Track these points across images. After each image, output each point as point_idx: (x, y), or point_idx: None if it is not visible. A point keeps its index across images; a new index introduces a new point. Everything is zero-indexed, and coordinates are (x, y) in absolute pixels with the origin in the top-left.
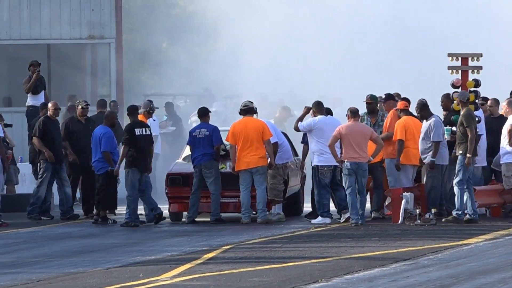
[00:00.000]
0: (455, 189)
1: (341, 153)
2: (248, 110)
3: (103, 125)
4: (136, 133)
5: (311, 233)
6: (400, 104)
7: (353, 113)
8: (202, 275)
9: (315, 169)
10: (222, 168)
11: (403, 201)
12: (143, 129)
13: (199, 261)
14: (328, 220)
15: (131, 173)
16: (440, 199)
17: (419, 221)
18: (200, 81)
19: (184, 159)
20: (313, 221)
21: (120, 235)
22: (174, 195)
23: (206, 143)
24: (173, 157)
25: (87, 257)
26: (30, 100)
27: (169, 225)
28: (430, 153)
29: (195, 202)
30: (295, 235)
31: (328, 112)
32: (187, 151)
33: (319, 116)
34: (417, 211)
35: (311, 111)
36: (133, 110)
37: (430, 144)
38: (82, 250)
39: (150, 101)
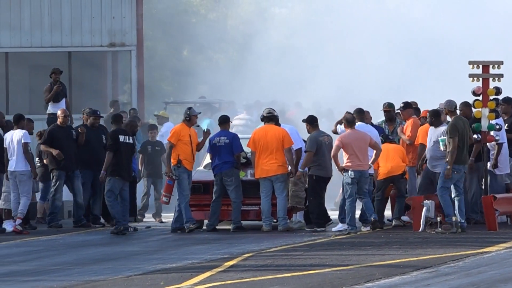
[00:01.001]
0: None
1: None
2: (271, 117)
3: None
4: (120, 140)
5: (332, 241)
6: (424, 113)
7: (349, 121)
8: (223, 283)
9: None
10: (242, 176)
11: (424, 209)
12: (126, 137)
13: (220, 269)
14: (346, 226)
15: (112, 181)
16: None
17: (440, 228)
18: (221, 89)
19: (205, 167)
20: (334, 228)
21: (141, 243)
22: (195, 203)
23: (227, 151)
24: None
25: (108, 264)
26: (51, 108)
27: (189, 233)
28: (442, 160)
29: (216, 210)
30: (316, 243)
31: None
32: (208, 159)
33: (359, 124)
34: (438, 219)
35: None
36: (117, 118)
37: (439, 151)
38: (102, 257)
39: (190, 108)
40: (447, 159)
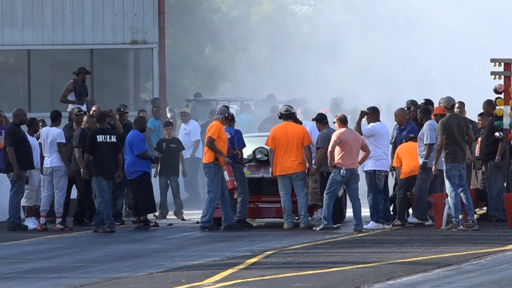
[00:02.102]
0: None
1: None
2: (289, 115)
3: (133, 129)
4: (98, 140)
5: (354, 238)
6: (439, 110)
7: (342, 120)
8: (244, 280)
9: (371, 174)
10: (247, 174)
11: (446, 206)
12: (107, 136)
13: (241, 266)
14: (381, 226)
15: (96, 181)
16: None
17: (461, 226)
18: (242, 86)
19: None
20: (366, 226)
21: (162, 240)
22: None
23: (229, 146)
24: None
25: (130, 262)
26: (73, 106)
27: (211, 230)
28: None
29: (242, 205)
30: (337, 241)
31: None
32: None
33: (379, 123)
34: (460, 216)
35: (365, 116)
36: (101, 117)
37: (423, 147)
38: (124, 255)
39: (227, 107)
40: (443, 157)
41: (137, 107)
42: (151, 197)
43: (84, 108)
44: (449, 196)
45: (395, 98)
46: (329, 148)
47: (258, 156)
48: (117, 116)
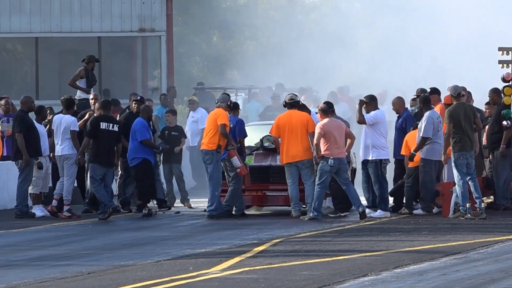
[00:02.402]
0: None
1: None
2: (293, 103)
3: (139, 117)
4: (101, 127)
5: (361, 227)
6: (448, 99)
7: (324, 111)
8: (251, 268)
9: (377, 163)
10: (250, 161)
11: (453, 195)
12: (111, 124)
13: (249, 255)
14: (388, 214)
15: (92, 168)
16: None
17: (469, 215)
18: (251, 74)
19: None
20: (373, 214)
21: (170, 228)
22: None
23: (231, 135)
24: None
25: (137, 250)
26: (81, 93)
27: (219, 218)
28: (424, 147)
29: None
30: (345, 229)
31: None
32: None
33: (379, 110)
34: (468, 205)
35: (364, 104)
36: (106, 105)
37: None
38: (132, 243)
39: (228, 95)
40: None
41: (144, 95)
42: (150, 184)
43: (89, 96)
44: (456, 185)
45: (404, 87)
46: (315, 141)
47: (266, 144)
48: (134, 104)
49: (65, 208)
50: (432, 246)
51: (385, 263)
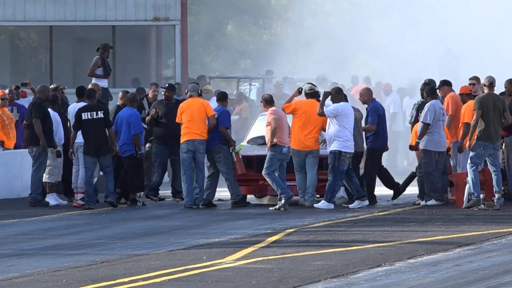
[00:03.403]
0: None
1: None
2: (313, 93)
3: (128, 107)
4: (83, 118)
5: (375, 217)
6: (465, 89)
7: (268, 101)
8: (265, 258)
9: (336, 154)
10: (240, 148)
11: (467, 185)
12: (94, 112)
13: (262, 244)
14: (332, 206)
15: (85, 159)
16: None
17: (483, 205)
18: (265, 64)
19: (248, 141)
20: (316, 205)
21: (184, 218)
22: (239, 178)
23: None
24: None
25: (151, 239)
26: (96, 81)
27: (232, 208)
28: (424, 138)
29: (211, 186)
30: (358, 219)
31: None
32: (251, 134)
33: (343, 103)
34: (482, 195)
35: (329, 96)
36: (90, 93)
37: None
38: (145, 232)
39: (197, 84)
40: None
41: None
42: (139, 177)
43: (106, 84)
44: (468, 172)
45: (418, 77)
46: (273, 125)
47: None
48: (163, 92)
49: (79, 196)
50: (446, 236)
51: (399, 254)
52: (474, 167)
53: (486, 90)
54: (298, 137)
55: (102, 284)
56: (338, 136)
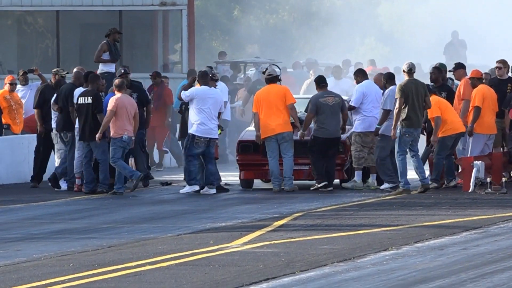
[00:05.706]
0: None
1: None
2: (272, 78)
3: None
4: (79, 102)
5: (382, 201)
6: (476, 73)
7: (118, 86)
8: (272, 242)
9: (191, 137)
10: (219, 133)
11: (474, 169)
12: (85, 97)
13: (269, 228)
14: (196, 188)
15: (77, 144)
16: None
17: (489, 189)
18: (271, 49)
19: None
20: (181, 191)
21: (191, 202)
22: (245, 163)
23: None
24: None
25: (158, 223)
26: (104, 67)
27: (239, 192)
28: (384, 123)
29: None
30: (365, 203)
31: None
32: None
33: (202, 87)
34: (488, 179)
35: (196, 81)
36: (93, 78)
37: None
38: (152, 216)
39: (211, 67)
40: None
41: (166, 69)
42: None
43: (113, 69)
44: (397, 161)
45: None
46: (108, 113)
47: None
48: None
49: (78, 181)
50: (452, 220)
51: (405, 237)
52: (402, 156)
53: (406, 77)
54: (262, 124)
55: (109, 268)
56: (195, 120)
